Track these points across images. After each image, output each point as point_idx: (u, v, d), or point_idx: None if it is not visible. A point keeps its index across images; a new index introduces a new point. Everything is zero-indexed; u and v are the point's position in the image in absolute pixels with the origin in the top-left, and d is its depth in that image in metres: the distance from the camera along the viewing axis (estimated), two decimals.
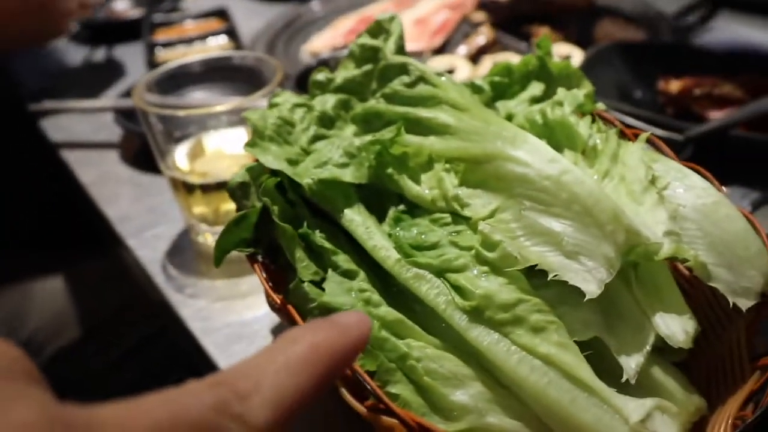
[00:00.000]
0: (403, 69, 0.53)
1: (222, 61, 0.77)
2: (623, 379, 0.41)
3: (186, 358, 0.69)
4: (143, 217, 0.80)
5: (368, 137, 0.49)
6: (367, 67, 0.55)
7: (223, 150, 0.73)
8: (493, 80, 0.58)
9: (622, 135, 0.52)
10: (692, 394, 0.44)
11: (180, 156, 0.72)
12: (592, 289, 0.41)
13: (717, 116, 0.82)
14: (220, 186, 0.69)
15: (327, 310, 0.43)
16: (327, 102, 0.54)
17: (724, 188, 0.48)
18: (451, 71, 0.97)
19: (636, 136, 0.52)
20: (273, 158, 0.50)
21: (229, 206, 0.61)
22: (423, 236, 0.45)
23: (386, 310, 0.43)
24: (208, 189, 0.70)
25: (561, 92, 0.53)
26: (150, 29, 1.20)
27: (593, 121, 0.51)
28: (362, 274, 0.45)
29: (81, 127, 1.02)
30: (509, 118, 0.54)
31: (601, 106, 0.56)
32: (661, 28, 1.09)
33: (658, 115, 0.80)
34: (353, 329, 0.29)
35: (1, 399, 0.21)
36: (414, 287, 0.43)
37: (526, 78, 0.59)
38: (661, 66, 0.92)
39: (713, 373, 0.48)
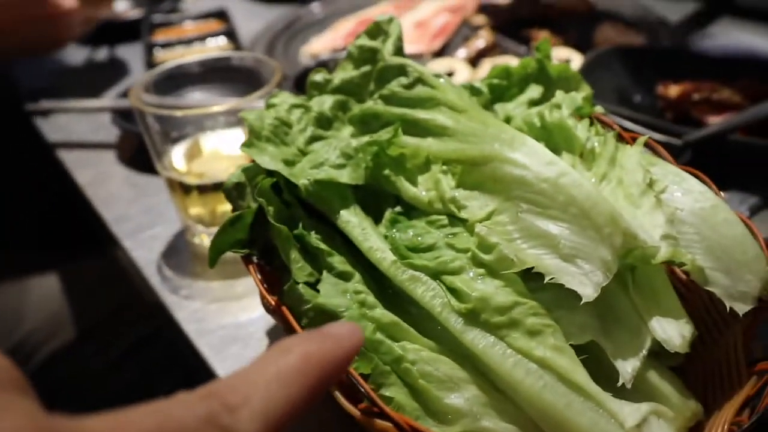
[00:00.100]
0: (401, 70, 0.53)
1: (220, 61, 0.77)
2: (619, 384, 0.41)
3: (185, 359, 0.69)
4: (140, 218, 0.80)
5: (365, 138, 0.49)
6: (366, 68, 0.55)
7: (220, 151, 0.73)
8: (492, 83, 0.58)
9: (620, 138, 0.52)
10: (688, 398, 0.43)
11: (177, 156, 0.71)
12: (588, 292, 0.40)
13: (716, 121, 0.82)
14: (217, 187, 0.69)
15: (322, 312, 0.43)
16: (324, 103, 0.54)
17: (722, 193, 0.48)
18: (450, 74, 0.97)
19: (634, 140, 0.52)
20: (269, 159, 0.50)
21: (226, 207, 0.60)
22: (419, 238, 0.45)
23: (381, 313, 0.43)
24: (204, 190, 0.70)
25: (559, 95, 0.53)
26: (149, 30, 1.20)
27: (591, 124, 0.51)
28: (358, 276, 0.44)
29: (78, 127, 1.01)
30: (507, 120, 0.54)
31: (599, 109, 0.55)
32: (660, 33, 1.09)
33: (657, 120, 0.80)
34: (345, 340, 0.29)
35: None
36: (409, 289, 0.43)
37: (524, 81, 0.58)
38: (660, 71, 0.92)
39: (710, 377, 0.47)
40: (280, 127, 0.53)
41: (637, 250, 0.42)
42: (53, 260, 1.05)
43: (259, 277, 0.47)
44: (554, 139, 0.51)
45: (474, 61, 1.02)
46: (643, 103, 0.91)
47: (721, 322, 0.48)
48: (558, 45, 1.03)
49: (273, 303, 0.45)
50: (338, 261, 0.45)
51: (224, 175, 0.66)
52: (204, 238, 0.73)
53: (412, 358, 0.41)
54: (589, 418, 0.38)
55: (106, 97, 1.08)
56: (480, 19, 1.16)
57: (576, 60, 0.97)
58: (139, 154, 0.91)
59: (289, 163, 0.50)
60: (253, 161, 0.51)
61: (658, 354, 0.44)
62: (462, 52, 1.03)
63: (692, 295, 0.50)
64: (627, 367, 0.41)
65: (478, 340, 0.41)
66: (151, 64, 1.08)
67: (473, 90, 0.57)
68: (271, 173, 0.49)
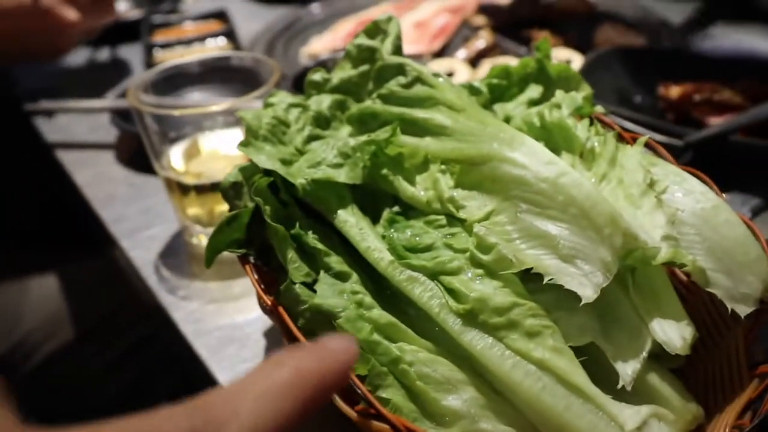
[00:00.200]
0: (399, 69, 0.53)
1: (219, 61, 0.77)
2: (619, 386, 0.40)
3: (183, 359, 0.68)
4: (138, 218, 0.80)
5: (363, 138, 0.49)
6: (364, 67, 0.55)
7: (218, 151, 0.73)
8: (491, 82, 0.58)
9: (621, 138, 0.52)
10: (689, 401, 0.43)
11: (175, 156, 0.71)
12: (588, 293, 0.40)
13: (717, 122, 0.82)
14: (215, 187, 0.68)
15: (318, 312, 0.42)
16: (323, 102, 0.54)
17: (723, 194, 0.47)
18: (450, 75, 0.97)
19: (635, 140, 0.51)
20: (266, 158, 0.49)
21: (224, 208, 0.60)
22: (417, 238, 0.44)
23: (379, 313, 0.42)
24: (202, 190, 0.69)
25: (559, 95, 0.53)
26: (149, 30, 1.20)
27: (591, 124, 0.51)
28: (355, 276, 0.44)
29: (77, 128, 1.01)
30: (507, 120, 0.54)
31: (599, 109, 0.55)
32: (661, 34, 1.09)
33: (657, 121, 0.80)
34: (341, 353, 0.29)
35: None
36: (407, 290, 0.43)
37: (524, 80, 0.58)
38: (661, 71, 0.92)
39: (711, 380, 0.47)
40: (277, 127, 0.52)
41: (637, 251, 0.42)
42: (52, 260, 1.04)
43: (256, 277, 0.47)
44: (554, 138, 0.50)
45: (474, 61, 1.01)
46: (643, 104, 0.91)
47: (722, 324, 0.48)
48: (558, 46, 1.03)
49: (270, 303, 0.44)
50: (335, 261, 0.44)
51: (222, 175, 0.66)
52: (202, 239, 0.73)
53: (410, 360, 0.40)
54: (588, 421, 0.38)
55: (106, 98, 1.08)
56: (480, 20, 1.16)
57: (576, 61, 0.97)
58: (137, 154, 0.90)
59: (286, 162, 0.50)
60: (251, 161, 0.50)
61: (659, 356, 0.43)
62: (462, 53, 1.03)
63: (693, 297, 0.50)
64: (627, 369, 0.41)
65: (476, 341, 0.40)
66: (150, 64, 1.08)
67: (472, 90, 0.57)
68: (268, 173, 0.49)
